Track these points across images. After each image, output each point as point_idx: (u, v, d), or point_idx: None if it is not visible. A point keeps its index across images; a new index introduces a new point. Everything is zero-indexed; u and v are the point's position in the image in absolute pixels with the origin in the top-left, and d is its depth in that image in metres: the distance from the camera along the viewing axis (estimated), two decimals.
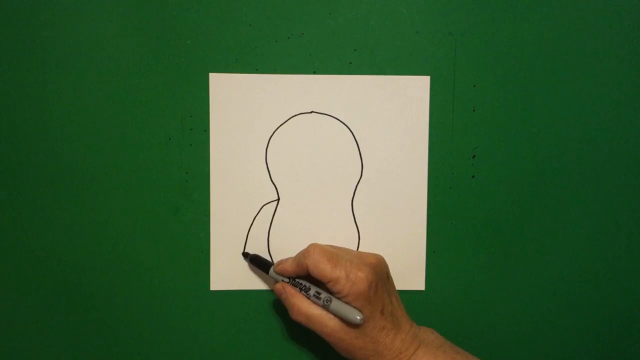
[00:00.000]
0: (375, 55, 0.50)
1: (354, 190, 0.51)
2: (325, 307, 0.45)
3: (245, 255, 0.51)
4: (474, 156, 0.51)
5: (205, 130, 0.50)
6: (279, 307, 0.51)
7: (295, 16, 0.50)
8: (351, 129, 0.51)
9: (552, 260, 0.52)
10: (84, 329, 0.51)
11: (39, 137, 0.50)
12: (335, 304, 0.44)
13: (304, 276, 0.47)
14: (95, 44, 0.49)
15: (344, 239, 0.51)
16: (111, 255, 0.51)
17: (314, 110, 0.51)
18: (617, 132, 0.51)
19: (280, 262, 0.49)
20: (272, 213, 0.51)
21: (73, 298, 0.51)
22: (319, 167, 0.51)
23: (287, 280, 0.48)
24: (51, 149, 0.50)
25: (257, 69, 0.50)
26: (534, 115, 0.51)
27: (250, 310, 0.52)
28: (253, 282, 0.51)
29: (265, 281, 0.51)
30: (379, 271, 0.46)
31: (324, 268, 0.44)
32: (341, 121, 0.51)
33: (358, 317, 0.43)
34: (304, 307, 0.46)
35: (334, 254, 0.45)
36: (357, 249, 0.51)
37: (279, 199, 0.51)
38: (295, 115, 0.51)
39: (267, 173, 0.51)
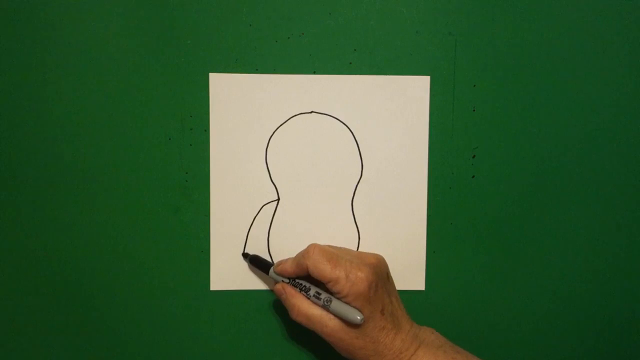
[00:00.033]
0: (375, 55, 0.50)
1: (354, 190, 0.51)
2: (326, 308, 0.45)
3: (245, 255, 0.51)
4: (474, 156, 0.51)
5: (205, 130, 0.50)
6: (279, 307, 0.51)
7: (295, 16, 0.50)
8: (351, 129, 0.51)
9: (552, 260, 0.52)
10: (84, 329, 0.51)
11: (39, 137, 0.50)
12: (335, 304, 0.44)
13: (304, 276, 0.47)
14: (95, 44, 0.49)
15: (344, 239, 0.51)
16: (111, 255, 0.51)
17: (314, 110, 0.51)
18: (617, 132, 0.51)
19: (280, 262, 0.49)
20: (272, 213, 0.51)
21: (73, 298, 0.51)
22: (319, 167, 0.51)
23: (287, 280, 0.48)
24: (51, 149, 0.50)
25: (257, 69, 0.50)
26: (534, 115, 0.51)
27: (250, 310, 0.52)
28: (253, 282, 0.51)
29: (265, 281, 0.51)
30: (379, 271, 0.46)
31: (323, 268, 0.44)
32: (341, 121, 0.51)
33: (358, 317, 0.43)
34: (304, 307, 0.46)
35: (333, 254, 0.45)
36: (357, 249, 0.51)
37: (279, 199, 0.51)
38: (295, 115, 0.51)
39: (267, 173, 0.51)
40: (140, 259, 0.51)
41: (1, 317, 0.51)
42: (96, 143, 0.50)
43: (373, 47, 0.50)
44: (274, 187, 0.51)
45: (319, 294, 0.46)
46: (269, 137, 0.51)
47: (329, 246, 0.48)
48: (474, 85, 0.51)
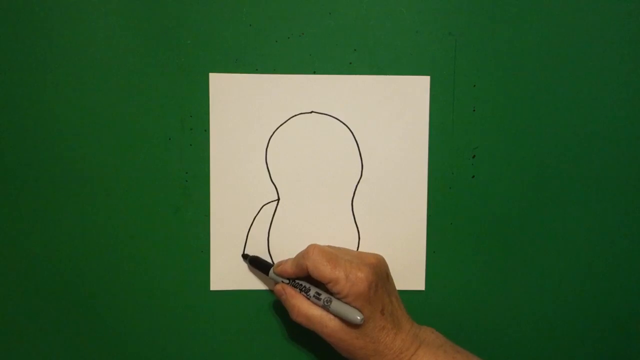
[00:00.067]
0: (375, 55, 0.50)
1: (354, 190, 0.51)
2: (326, 308, 0.45)
3: (245, 256, 0.51)
4: (474, 156, 0.51)
5: (205, 130, 0.50)
6: (279, 307, 0.51)
7: (295, 16, 0.50)
8: (351, 129, 0.51)
9: (552, 260, 0.52)
10: (84, 329, 0.51)
11: (39, 137, 0.50)
12: (335, 305, 0.44)
13: (304, 277, 0.47)
14: (95, 44, 0.49)
15: (344, 239, 0.51)
16: (111, 255, 0.51)
17: (314, 110, 0.51)
18: (617, 132, 0.51)
19: (280, 263, 0.49)
20: (272, 213, 0.51)
21: (73, 298, 0.51)
22: (319, 167, 0.51)
23: (287, 281, 0.48)
24: (51, 149, 0.50)
25: (257, 69, 0.50)
26: (534, 115, 0.51)
27: (250, 310, 0.52)
28: (253, 282, 0.51)
29: (265, 282, 0.51)
30: (379, 271, 0.46)
31: (323, 269, 0.44)
32: (341, 121, 0.51)
33: (358, 318, 0.43)
34: (304, 308, 0.46)
35: (333, 254, 0.45)
36: (357, 249, 0.52)
37: (279, 199, 0.51)
38: (295, 115, 0.51)
39: (267, 173, 0.51)
40: (140, 259, 0.51)
41: (1, 317, 0.51)
42: (96, 143, 0.50)
43: (373, 47, 0.50)
44: (274, 187, 0.51)
45: (319, 294, 0.46)
46: (269, 137, 0.51)
47: (329, 246, 0.48)
48: (474, 85, 0.51)
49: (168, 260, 0.51)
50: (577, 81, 0.51)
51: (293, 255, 0.48)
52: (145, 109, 0.50)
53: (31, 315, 0.51)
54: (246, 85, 0.50)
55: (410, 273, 0.52)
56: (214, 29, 0.50)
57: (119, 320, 0.51)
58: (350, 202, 0.51)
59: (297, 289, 0.47)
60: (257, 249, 0.51)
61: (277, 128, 0.51)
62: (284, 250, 0.51)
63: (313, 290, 0.46)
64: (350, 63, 0.50)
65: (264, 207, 0.51)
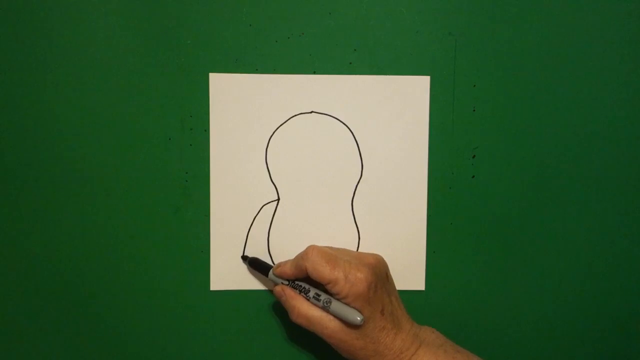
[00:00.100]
0: (375, 55, 0.50)
1: (354, 190, 0.51)
2: (325, 309, 0.45)
3: (245, 258, 0.51)
4: (474, 156, 0.51)
5: (205, 130, 0.50)
6: (279, 307, 0.51)
7: (295, 16, 0.50)
8: (351, 129, 0.51)
9: (552, 260, 0.52)
10: (84, 329, 0.51)
11: (38, 137, 0.50)
12: (335, 306, 0.44)
13: (303, 278, 0.47)
14: (95, 44, 0.49)
15: (344, 239, 0.51)
16: (111, 255, 0.51)
17: (314, 110, 0.51)
18: (617, 132, 0.51)
19: (279, 264, 0.49)
20: (272, 213, 0.51)
21: (73, 298, 0.51)
22: (319, 167, 0.51)
23: (287, 282, 0.48)
24: (51, 149, 0.50)
25: (257, 69, 0.50)
26: (534, 115, 0.51)
27: (250, 310, 0.52)
28: (253, 282, 0.52)
29: (265, 282, 0.51)
30: (378, 271, 0.46)
31: (322, 270, 0.44)
32: (341, 121, 0.51)
33: (358, 318, 0.43)
34: (304, 309, 0.46)
35: (332, 255, 0.45)
36: (357, 249, 0.52)
37: (279, 199, 0.51)
38: (295, 115, 0.51)
39: (267, 173, 0.51)
40: (140, 259, 0.51)
41: (1, 317, 0.51)
42: (96, 143, 0.50)
43: (373, 47, 0.50)
44: (274, 187, 0.51)
45: (319, 295, 0.46)
46: (269, 137, 0.51)
47: (328, 247, 0.48)
48: (474, 85, 0.51)
49: (168, 260, 0.51)
50: (577, 81, 0.51)
51: (293, 255, 0.48)
52: (145, 109, 0.50)
53: (31, 315, 0.51)
54: (246, 85, 0.50)
55: (410, 273, 0.52)
56: (214, 29, 0.50)
57: (119, 320, 0.51)
58: (350, 202, 0.51)
59: (297, 290, 0.47)
60: (257, 249, 0.51)
61: (277, 128, 0.51)
62: (284, 250, 0.51)
63: (313, 291, 0.46)
64: (350, 63, 0.50)
65: (264, 207, 0.51)
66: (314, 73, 0.50)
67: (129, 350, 0.51)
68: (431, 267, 0.52)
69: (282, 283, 0.48)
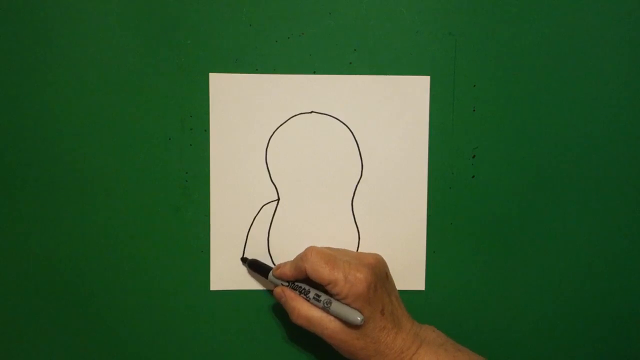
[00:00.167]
0: (375, 55, 0.50)
1: (354, 190, 0.51)
2: (325, 310, 0.45)
3: (244, 260, 0.51)
4: (474, 156, 0.51)
5: (205, 130, 0.50)
6: (279, 307, 0.51)
7: (295, 16, 0.50)
8: (351, 129, 0.51)
9: (552, 260, 0.52)
10: (84, 329, 0.51)
11: (38, 137, 0.50)
12: (335, 306, 0.44)
13: (303, 279, 0.47)
14: (95, 44, 0.49)
15: (344, 239, 0.51)
16: (111, 255, 0.51)
17: (314, 110, 0.51)
18: (617, 132, 0.51)
19: (279, 266, 0.49)
20: (272, 213, 0.51)
21: (73, 298, 0.51)
22: (319, 167, 0.51)
23: (287, 284, 0.48)
24: (51, 149, 0.50)
25: (257, 69, 0.50)
26: (534, 115, 0.51)
27: (250, 311, 0.52)
28: (253, 282, 0.51)
29: (265, 283, 0.51)
30: (378, 271, 0.46)
31: (322, 271, 0.44)
32: (341, 121, 0.51)
33: (358, 318, 0.43)
34: (304, 310, 0.46)
35: (331, 256, 0.45)
36: (357, 249, 0.52)
37: (279, 199, 0.51)
38: (295, 115, 0.51)
39: (267, 173, 0.51)
40: (140, 259, 0.51)
41: (1, 317, 0.51)
42: (96, 143, 0.50)
43: (373, 47, 0.50)
44: (274, 187, 0.51)
45: (319, 296, 0.46)
46: (269, 137, 0.51)
47: (327, 248, 0.48)
48: (474, 85, 0.51)
49: (168, 260, 0.51)
50: (577, 81, 0.51)
51: (293, 255, 0.48)
52: (145, 109, 0.50)
53: (31, 315, 0.51)
54: (246, 85, 0.50)
55: (410, 273, 0.52)
56: (214, 29, 0.50)
57: (119, 319, 0.51)
58: (350, 202, 0.51)
59: (297, 291, 0.47)
60: (257, 249, 0.51)
61: (277, 128, 0.51)
62: (284, 250, 0.51)
63: (312, 292, 0.46)
64: (350, 63, 0.50)
65: (264, 207, 0.51)
66: (314, 73, 0.50)
67: (129, 350, 0.51)
68: (431, 267, 0.52)
69: (282, 284, 0.48)
